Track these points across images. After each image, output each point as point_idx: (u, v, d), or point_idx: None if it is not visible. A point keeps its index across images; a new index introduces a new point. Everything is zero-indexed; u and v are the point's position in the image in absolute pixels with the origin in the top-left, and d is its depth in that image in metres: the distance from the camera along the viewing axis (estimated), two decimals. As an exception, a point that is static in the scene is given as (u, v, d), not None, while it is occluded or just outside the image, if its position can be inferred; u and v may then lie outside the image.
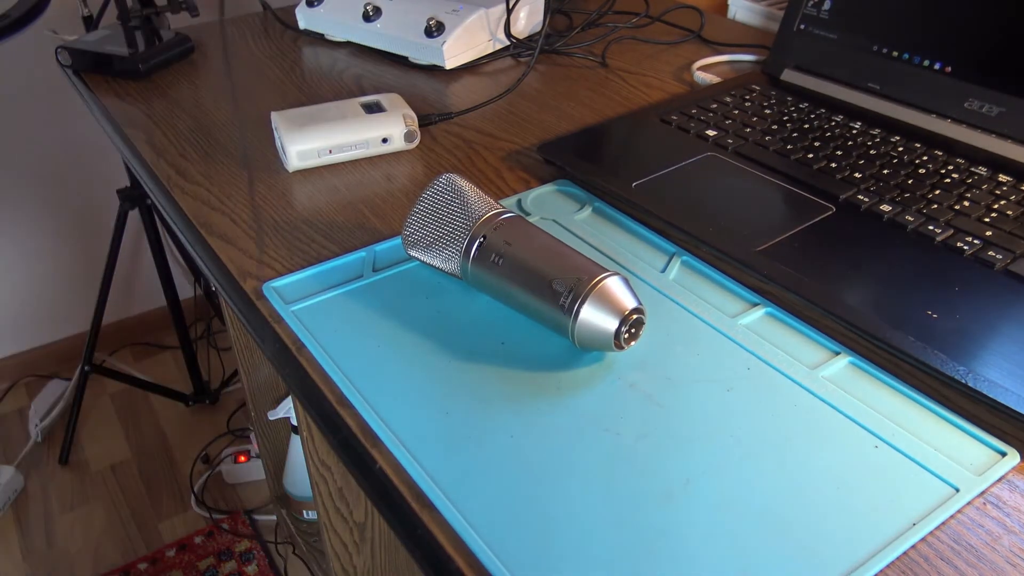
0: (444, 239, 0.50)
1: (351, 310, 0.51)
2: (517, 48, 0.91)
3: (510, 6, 0.88)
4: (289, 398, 1.05)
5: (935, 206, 0.58)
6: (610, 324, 0.44)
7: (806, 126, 0.70)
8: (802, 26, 0.78)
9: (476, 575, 0.36)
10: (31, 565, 1.43)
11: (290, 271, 0.55)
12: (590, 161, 0.65)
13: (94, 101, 0.83)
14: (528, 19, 0.92)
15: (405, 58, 0.90)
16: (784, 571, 0.35)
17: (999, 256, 0.52)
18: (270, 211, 0.63)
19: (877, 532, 0.37)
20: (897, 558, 0.36)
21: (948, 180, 0.61)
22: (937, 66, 0.68)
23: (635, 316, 0.44)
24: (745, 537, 0.37)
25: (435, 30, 0.85)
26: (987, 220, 0.56)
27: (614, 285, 0.44)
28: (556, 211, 0.61)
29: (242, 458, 1.55)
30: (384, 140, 0.69)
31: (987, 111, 0.65)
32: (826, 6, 0.76)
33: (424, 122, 0.75)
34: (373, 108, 0.70)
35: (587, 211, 0.61)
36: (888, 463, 0.40)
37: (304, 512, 1.18)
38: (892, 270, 0.52)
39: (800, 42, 0.78)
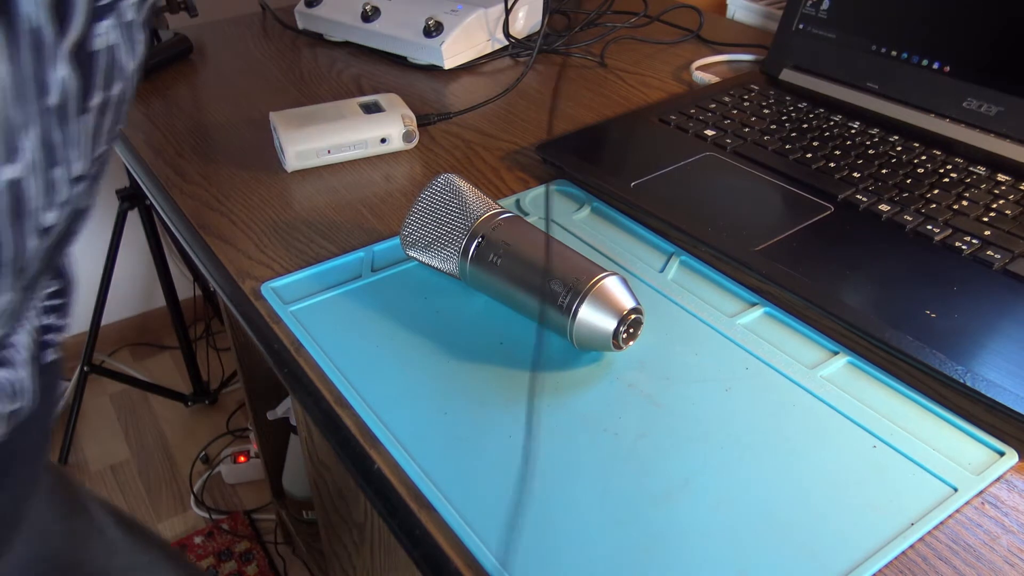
0: (442, 239, 0.50)
1: (349, 310, 0.51)
2: (516, 48, 0.91)
3: (509, 6, 0.88)
4: (288, 398, 1.05)
5: (933, 206, 0.58)
6: (608, 324, 0.44)
7: (805, 126, 0.70)
8: (801, 26, 0.78)
9: (474, 575, 0.36)
10: (31, 565, 1.43)
11: (288, 271, 0.55)
12: (589, 161, 0.65)
13: (93, 101, 0.83)
14: (527, 19, 0.92)
15: (404, 58, 0.90)
16: (783, 571, 0.35)
17: (997, 256, 0.52)
18: (269, 211, 0.63)
19: (875, 532, 0.37)
20: (895, 558, 0.36)
21: (946, 180, 0.61)
22: (936, 65, 0.68)
23: (633, 316, 0.44)
24: (744, 536, 0.37)
25: (434, 30, 0.85)
26: (985, 220, 0.56)
27: (612, 285, 0.44)
28: (555, 211, 0.61)
29: (242, 458, 1.55)
30: (383, 140, 0.69)
31: (985, 110, 0.65)
32: (824, 6, 0.76)
33: (423, 122, 0.75)
34: (372, 108, 0.70)
35: (586, 211, 0.61)
36: (886, 463, 0.40)
37: (304, 512, 1.19)
38: (890, 270, 0.52)
39: (799, 42, 0.78)
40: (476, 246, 0.48)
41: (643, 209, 0.59)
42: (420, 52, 0.87)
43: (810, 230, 0.56)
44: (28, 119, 0.22)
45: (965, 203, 0.58)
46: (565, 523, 0.37)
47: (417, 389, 0.45)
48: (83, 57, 0.23)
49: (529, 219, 0.59)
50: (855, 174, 0.62)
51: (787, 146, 0.66)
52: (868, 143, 0.67)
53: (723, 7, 1.07)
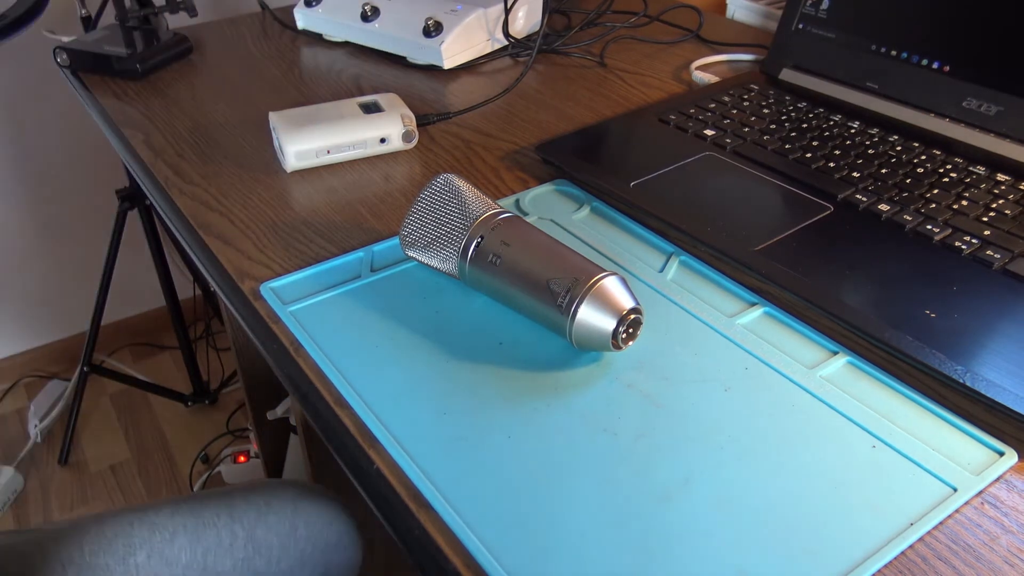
0: (442, 239, 0.50)
1: (349, 310, 0.51)
2: (515, 48, 0.91)
3: (508, 6, 0.88)
4: (288, 398, 1.05)
5: (933, 205, 0.58)
6: (607, 324, 0.44)
7: (804, 125, 0.70)
8: (800, 25, 0.78)
9: (473, 575, 0.36)
10: (31, 565, 1.43)
11: (288, 271, 0.55)
12: (588, 161, 0.65)
13: (92, 101, 0.83)
14: (526, 19, 0.92)
15: (403, 58, 0.90)
16: (782, 571, 0.35)
17: (997, 255, 0.52)
18: (268, 211, 0.62)
19: (875, 532, 0.37)
20: (895, 558, 0.36)
21: (946, 179, 0.61)
22: (935, 65, 0.68)
23: (633, 316, 0.44)
24: (743, 537, 0.37)
25: (433, 30, 0.85)
26: (985, 219, 0.56)
27: (612, 285, 0.44)
28: (554, 211, 0.61)
29: (241, 458, 1.55)
30: (382, 140, 0.69)
31: (985, 110, 0.65)
32: (824, 5, 0.76)
33: (422, 122, 0.75)
34: (371, 108, 0.70)
35: (585, 211, 0.61)
36: (886, 463, 0.40)
37: (303, 512, 1.18)
38: (890, 269, 0.52)
39: (798, 41, 0.78)
40: (475, 246, 0.48)
41: (643, 209, 0.59)
42: (420, 52, 0.87)
43: (810, 230, 0.56)
44: None
45: (965, 203, 0.58)
46: (564, 523, 0.37)
47: (416, 389, 0.45)
48: None
49: (529, 219, 0.59)
50: (855, 174, 0.62)
51: (787, 146, 0.66)
52: (868, 143, 0.67)
53: (723, 7, 1.07)
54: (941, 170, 0.62)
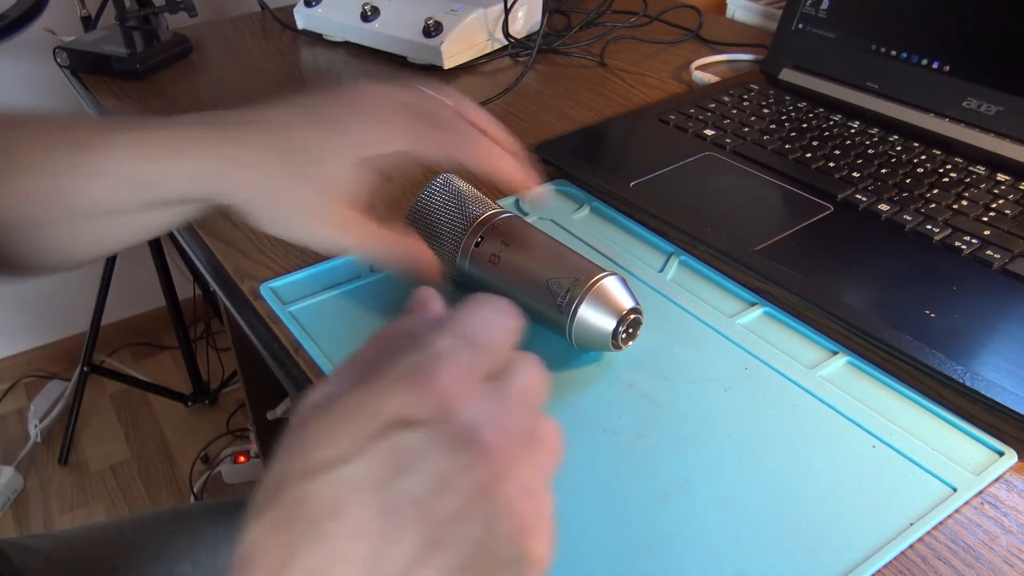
0: (441, 239, 0.50)
1: (349, 311, 0.51)
2: (515, 48, 0.91)
3: (508, 6, 0.88)
4: (288, 398, 1.05)
5: (933, 205, 0.58)
6: (608, 324, 0.44)
7: (804, 125, 0.70)
8: (800, 25, 0.78)
9: None
10: (31, 565, 1.43)
11: (288, 271, 0.55)
12: (588, 161, 0.65)
13: (92, 102, 0.83)
14: (526, 19, 0.92)
15: (403, 58, 0.90)
16: (782, 571, 0.35)
17: (997, 255, 0.52)
18: (268, 211, 0.62)
19: (875, 532, 0.37)
20: (895, 558, 0.36)
21: (946, 179, 0.61)
22: (935, 65, 0.68)
23: (632, 316, 0.44)
24: (743, 537, 0.37)
25: (433, 30, 0.85)
26: (985, 219, 0.56)
27: (611, 285, 0.44)
28: (554, 211, 0.61)
29: (241, 458, 1.55)
30: (382, 140, 0.69)
31: (985, 110, 0.65)
32: (824, 5, 0.76)
33: (422, 122, 0.74)
34: (371, 108, 0.70)
35: (585, 211, 0.61)
36: (886, 463, 0.40)
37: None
38: (890, 269, 0.52)
39: (798, 41, 0.78)
40: (474, 246, 0.48)
41: (642, 209, 0.59)
42: (419, 52, 0.87)
43: (810, 230, 0.56)
44: None
45: (965, 203, 0.58)
46: (564, 523, 0.37)
47: (416, 389, 0.45)
48: None
49: (528, 219, 0.59)
50: (855, 174, 0.62)
51: (787, 146, 0.66)
52: (868, 143, 0.67)
53: (723, 7, 1.07)
54: (941, 170, 0.62)
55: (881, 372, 0.46)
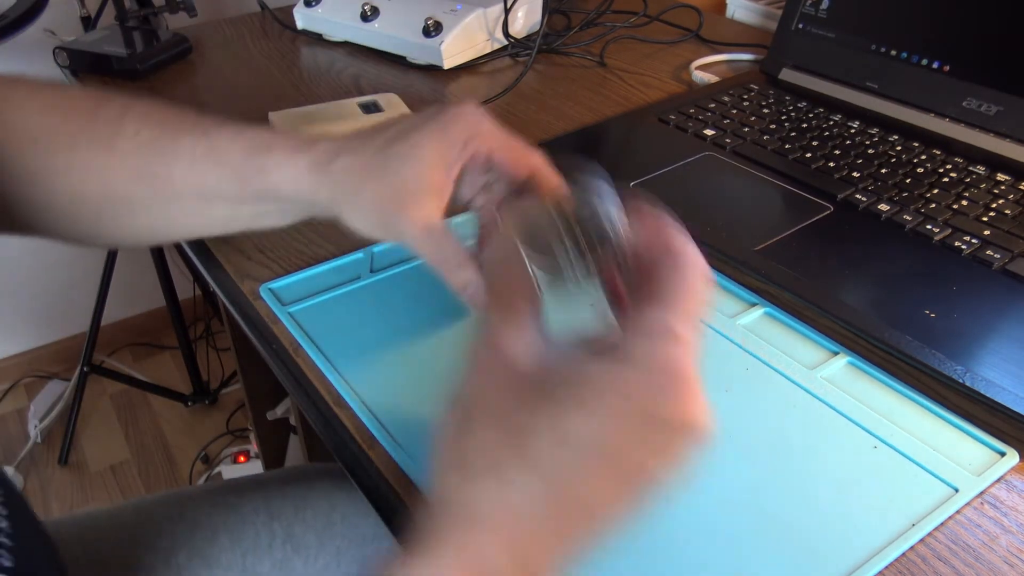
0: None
1: (348, 311, 0.51)
2: (515, 48, 0.91)
3: (508, 6, 0.88)
4: (288, 398, 1.05)
5: (933, 205, 0.58)
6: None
7: (804, 125, 0.70)
8: (800, 25, 0.78)
9: None
10: (31, 566, 1.43)
11: (288, 272, 0.55)
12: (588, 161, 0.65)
13: (92, 102, 0.83)
14: (526, 18, 0.92)
15: (403, 58, 0.90)
16: (783, 572, 0.35)
17: (997, 255, 0.52)
18: (268, 212, 0.62)
19: (876, 533, 0.37)
20: (896, 559, 0.36)
21: (946, 179, 0.61)
22: (935, 65, 0.68)
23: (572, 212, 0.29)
24: (744, 537, 0.37)
25: (433, 30, 0.85)
26: (985, 219, 0.56)
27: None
28: (554, 211, 0.61)
29: (241, 458, 1.54)
30: (382, 140, 0.69)
31: (985, 110, 0.65)
32: (824, 5, 0.76)
33: (422, 122, 0.74)
34: (371, 108, 0.70)
35: (585, 211, 0.61)
36: (887, 463, 0.40)
37: (303, 512, 1.18)
38: (890, 269, 0.52)
39: (798, 41, 0.78)
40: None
41: (642, 209, 0.59)
42: (419, 52, 0.87)
43: (810, 230, 0.56)
44: None
45: (965, 203, 0.58)
46: (564, 524, 0.37)
47: (415, 390, 0.45)
48: None
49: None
50: (854, 174, 0.62)
51: (786, 146, 0.66)
52: (867, 143, 0.67)
53: (723, 7, 1.07)
54: (941, 170, 0.62)
55: (882, 372, 0.45)
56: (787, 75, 0.78)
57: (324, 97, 0.82)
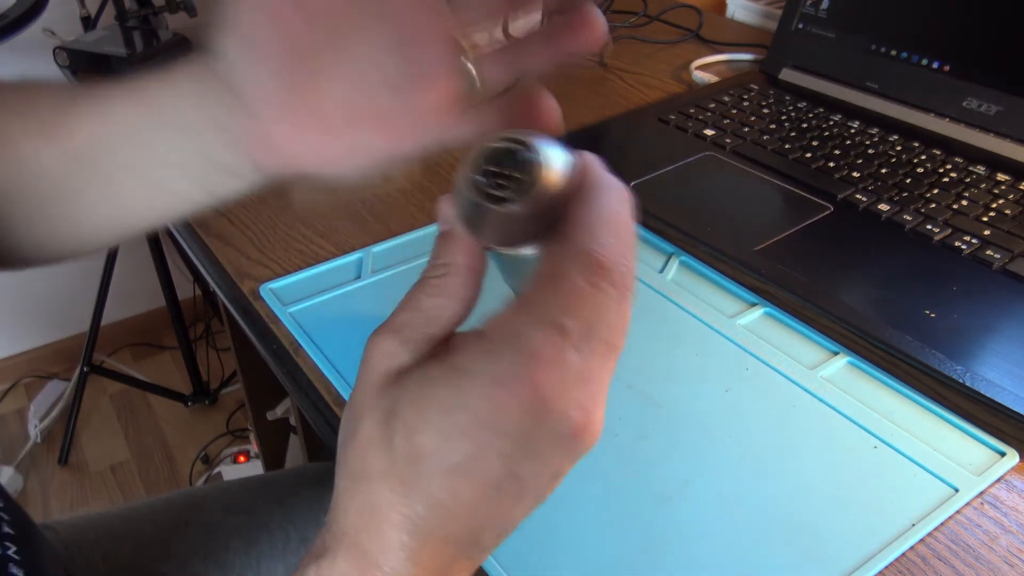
0: None
1: (348, 311, 0.51)
2: (515, 48, 0.91)
3: (508, 6, 0.88)
4: (288, 398, 1.05)
5: (933, 205, 0.58)
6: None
7: (804, 125, 0.70)
8: (800, 25, 0.78)
9: (474, 576, 0.36)
10: (31, 566, 1.43)
11: (288, 272, 0.55)
12: (588, 161, 0.65)
13: (92, 102, 0.83)
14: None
15: (403, 58, 0.89)
16: (783, 572, 0.35)
17: (997, 255, 0.52)
18: (268, 211, 0.62)
19: (876, 532, 0.37)
20: (896, 559, 0.36)
21: (946, 179, 0.61)
22: (935, 65, 0.68)
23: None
24: (744, 537, 0.37)
25: (433, 30, 0.85)
26: (985, 219, 0.56)
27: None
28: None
29: (241, 458, 1.54)
30: (382, 140, 0.69)
31: (985, 110, 0.65)
32: (824, 5, 0.76)
33: (422, 122, 0.74)
34: (371, 108, 0.70)
35: (585, 211, 0.61)
36: (887, 463, 0.40)
37: (303, 512, 1.18)
38: (890, 269, 0.52)
39: (798, 41, 0.78)
40: None
41: (642, 209, 0.59)
42: (419, 52, 0.87)
43: (810, 230, 0.56)
44: None
45: (965, 203, 0.58)
46: (565, 524, 0.37)
47: (416, 390, 0.45)
48: None
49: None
50: (854, 174, 0.62)
51: (786, 146, 0.66)
52: (867, 143, 0.67)
53: (723, 7, 1.07)
54: (941, 170, 0.62)
55: (882, 372, 0.45)
56: (787, 75, 0.78)
57: (324, 97, 0.81)
